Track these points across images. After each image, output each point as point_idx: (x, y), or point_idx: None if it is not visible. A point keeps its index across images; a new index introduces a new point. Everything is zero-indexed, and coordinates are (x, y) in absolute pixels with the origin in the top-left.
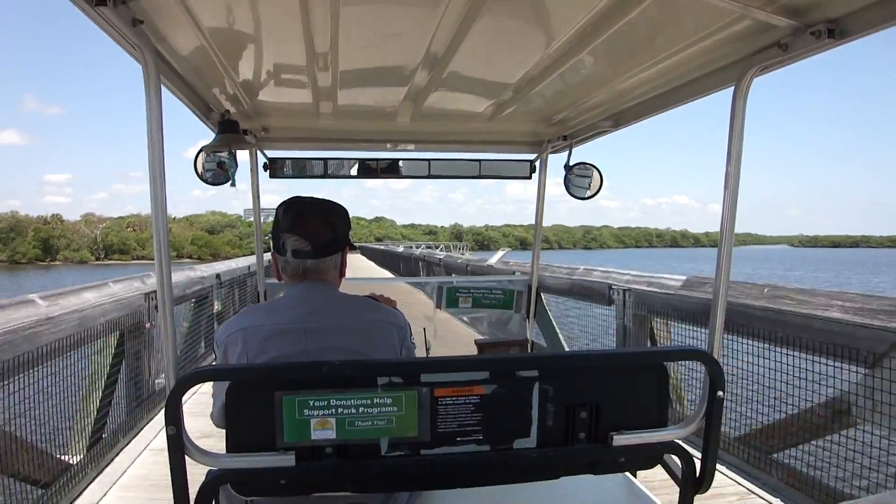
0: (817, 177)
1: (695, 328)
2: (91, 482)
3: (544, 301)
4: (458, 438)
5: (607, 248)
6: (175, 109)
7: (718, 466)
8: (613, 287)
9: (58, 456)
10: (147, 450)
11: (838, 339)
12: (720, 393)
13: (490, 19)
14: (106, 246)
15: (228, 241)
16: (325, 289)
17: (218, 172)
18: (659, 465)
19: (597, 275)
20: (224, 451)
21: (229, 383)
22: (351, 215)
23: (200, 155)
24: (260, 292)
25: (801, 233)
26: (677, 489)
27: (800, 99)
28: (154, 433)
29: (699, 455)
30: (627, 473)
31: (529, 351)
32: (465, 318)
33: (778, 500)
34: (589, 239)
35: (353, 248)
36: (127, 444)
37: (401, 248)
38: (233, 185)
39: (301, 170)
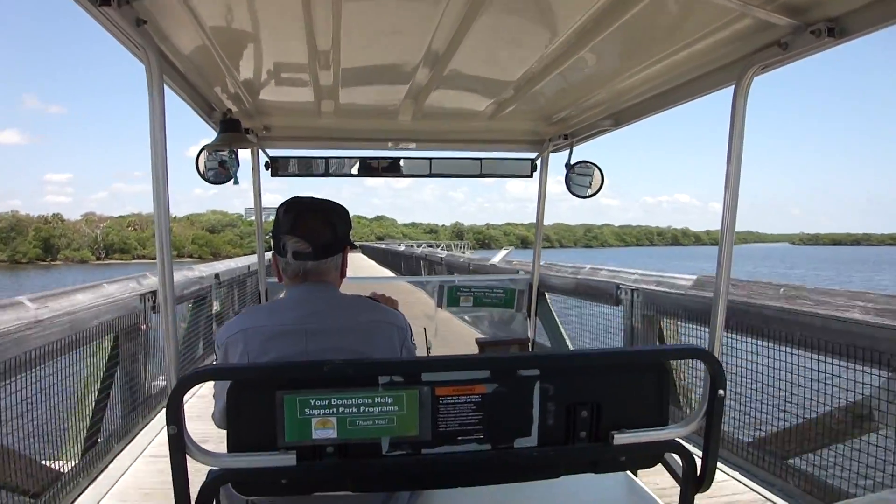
0: (818, 175)
1: (706, 329)
2: (82, 492)
3: (548, 301)
4: (459, 437)
5: (608, 247)
6: (177, 108)
7: (732, 472)
8: (621, 287)
9: (48, 464)
10: (142, 456)
11: (859, 341)
12: (721, 392)
13: (491, 17)
14: (107, 245)
15: (229, 241)
16: (325, 290)
17: (220, 171)
18: (660, 464)
19: (603, 274)
20: (225, 451)
21: (230, 384)
22: (352, 214)
23: (202, 154)
24: (261, 291)
25: (801, 231)
26: (678, 488)
27: (800, 97)
28: (149, 439)
29: (700, 454)
30: (628, 472)
31: (531, 350)
32: (466, 318)
33: None
34: (590, 237)
35: (353, 248)
36: (121, 451)
37: (402, 247)
38: (235, 182)
39: (302, 168)
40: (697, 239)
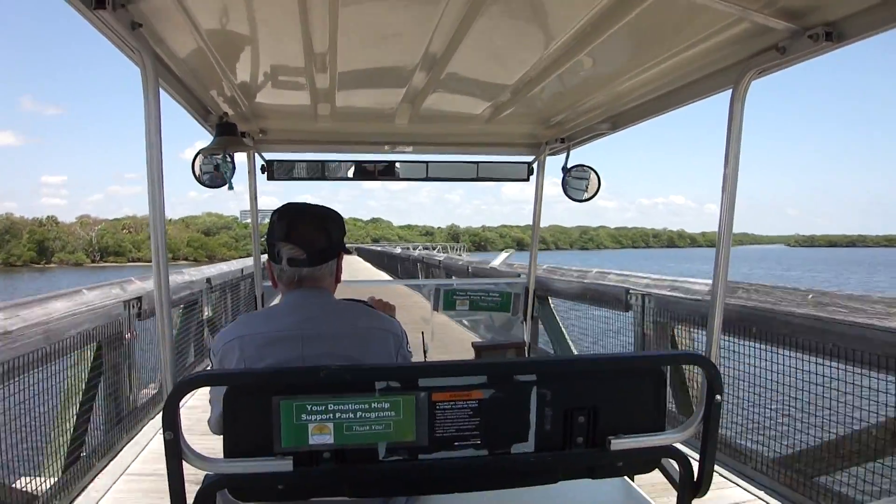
0: (814, 176)
1: (726, 337)
2: None
3: (552, 306)
4: (456, 443)
5: (604, 249)
6: (172, 111)
7: (731, 477)
8: (631, 291)
9: (20, 486)
10: (125, 475)
11: None
12: (718, 397)
13: (488, 21)
14: (101, 248)
15: (224, 243)
16: (320, 296)
17: (215, 175)
18: (657, 470)
19: (612, 278)
20: (221, 457)
21: (226, 390)
22: (348, 216)
23: (198, 157)
24: (257, 295)
25: (797, 232)
26: (675, 493)
27: (797, 98)
28: (134, 454)
29: (697, 459)
30: (625, 477)
31: (527, 353)
32: (465, 322)
33: None
34: (586, 239)
35: (348, 252)
36: (103, 468)
37: (398, 250)
38: (230, 188)
39: (299, 172)
40: (693, 241)
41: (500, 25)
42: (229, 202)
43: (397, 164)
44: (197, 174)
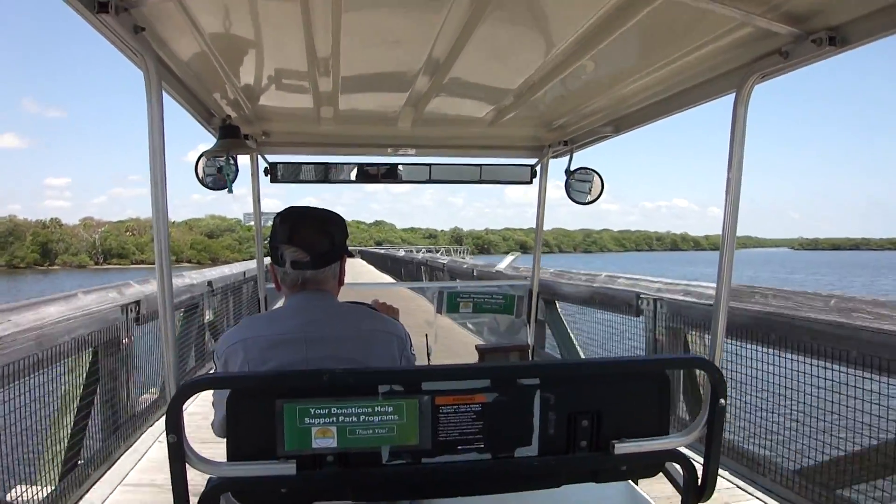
0: (817, 179)
1: (743, 343)
2: None
3: (559, 310)
4: (460, 447)
5: (607, 252)
6: (175, 113)
7: (735, 481)
8: (642, 296)
9: (11, 498)
10: (122, 485)
11: None
12: (721, 401)
13: (491, 25)
14: (105, 250)
15: (228, 246)
16: (323, 298)
17: (218, 177)
18: (661, 473)
19: (621, 282)
20: (224, 460)
21: (229, 393)
22: (351, 219)
23: (201, 160)
24: (260, 298)
25: (801, 235)
26: (679, 497)
27: (800, 102)
28: (132, 464)
29: (701, 462)
30: (629, 481)
31: (530, 356)
32: (470, 326)
33: None
34: (589, 242)
35: (350, 256)
36: (100, 478)
37: (401, 253)
38: (230, 191)
39: (302, 174)
40: (696, 244)
41: (503, 30)
42: (232, 205)
43: (400, 167)
44: (200, 176)
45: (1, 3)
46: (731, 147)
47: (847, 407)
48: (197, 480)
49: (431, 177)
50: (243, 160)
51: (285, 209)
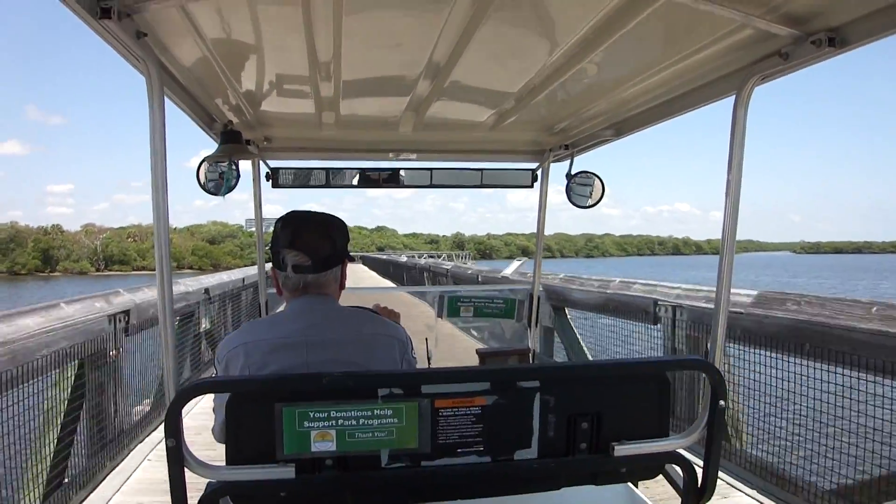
0: (819, 182)
1: (771, 353)
2: None
3: (568, 316)
4: (459, 450)
5: (609, 257)
6: (177, 119)
7: (735, 483)
8: (660, 303)
9: None
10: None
11: None
12: (722, 403)
13: (491, 29)
14: (106, 257)
15: (229, 252)
16: (325, 302)
17: (220, 183)
18: (661, 475)
19: (637, 288)
20: (223, 464)
21: (229, 397)
22: (352, 225)
23: (203, 165)
24: (261, 303)
25: (802, 239)
26: (679, 499)
27: (800, 103)
28: (121, 481)
29: (701, 465)
30: (629, 483)
31: (531, 360)
32: (473, 332)
33: None
34: (591, 247)
35: (351, 260)
36: (84, 499)
37: (403, 258)
38: (223, 194)
39: (303, 180)
40: (699, 248)
41: (504, 34)
42: (234, 210)
43: (402, 172)
44: (202, 181)
45: (3, 10)
46: (731, 149)
47: (889, 421)
48: (197, 484)
49: (433, 181)
50: (245, 165)
51: (287, 213)
